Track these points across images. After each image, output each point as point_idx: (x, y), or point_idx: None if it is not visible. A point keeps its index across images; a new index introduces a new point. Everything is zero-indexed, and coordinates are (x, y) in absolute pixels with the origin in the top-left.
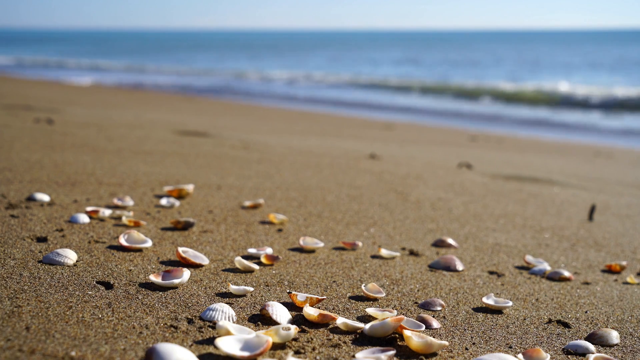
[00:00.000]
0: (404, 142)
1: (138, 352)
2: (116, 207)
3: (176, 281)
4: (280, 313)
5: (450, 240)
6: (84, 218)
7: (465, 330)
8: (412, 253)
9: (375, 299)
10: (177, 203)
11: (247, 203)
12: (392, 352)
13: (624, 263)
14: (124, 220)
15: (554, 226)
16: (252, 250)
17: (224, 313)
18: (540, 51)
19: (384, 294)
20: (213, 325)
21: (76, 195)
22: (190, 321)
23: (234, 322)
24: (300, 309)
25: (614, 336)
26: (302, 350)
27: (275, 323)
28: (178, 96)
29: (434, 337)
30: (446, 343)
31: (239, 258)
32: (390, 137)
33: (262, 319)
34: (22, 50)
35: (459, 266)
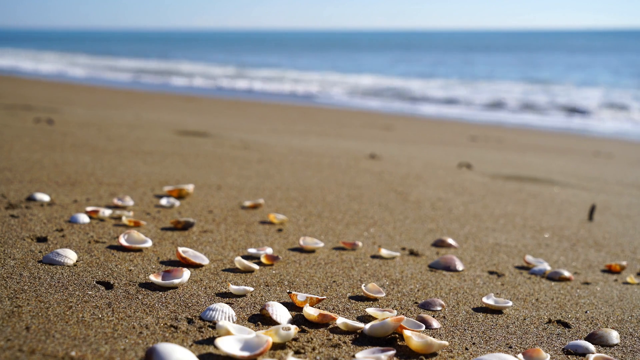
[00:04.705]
0: (403, 142)
1: (138, 352)
2: (116, 207)
3: (176, 281)
4: (280, 313)
5: (450, 240)
6: (84, 218)
7: (465, 330)
8: (412, 253)
9: (375, 299)
10: (177, 203)
11: (247, 203)
12: (392, 352)
13: (624, 263)
14: (124, 220)
15: (554, 226)
16: (252, 250)
17: (224, 313)
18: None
19: (384, 294)
20: (213, 325)
21: (76, 195)
22: (190, 321)
23: (234, 322)
24: (300, 309)
25: (614, 336)
26: (302, 350)
27: (275, 323)
28: (178, 96)
29: (434, 337)
30: (446, 343)
31: (239, 258)
32: (390, 137)
33: (262, 319)
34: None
35: (459, 266)
